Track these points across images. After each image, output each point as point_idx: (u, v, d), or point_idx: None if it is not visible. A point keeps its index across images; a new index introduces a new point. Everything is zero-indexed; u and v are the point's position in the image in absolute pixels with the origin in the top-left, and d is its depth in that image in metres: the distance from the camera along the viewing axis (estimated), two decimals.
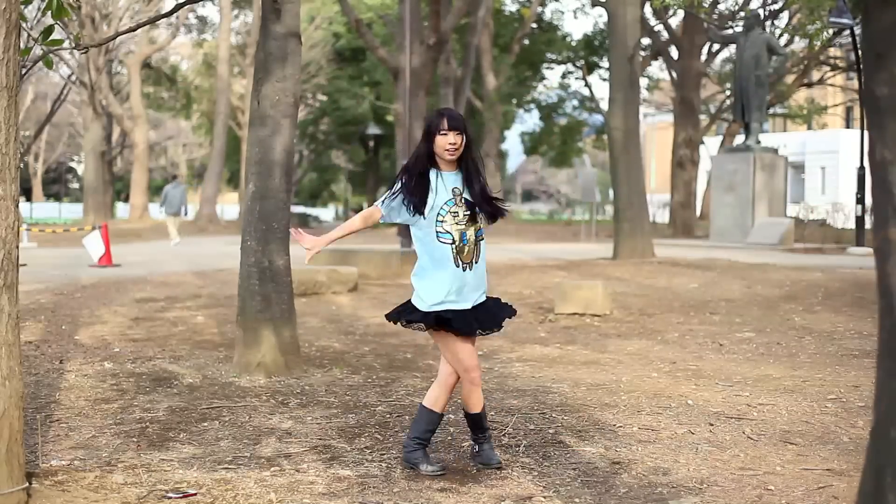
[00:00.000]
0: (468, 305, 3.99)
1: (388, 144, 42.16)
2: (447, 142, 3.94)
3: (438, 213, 3.96)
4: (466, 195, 4.00)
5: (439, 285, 3.97)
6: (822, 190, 47.15)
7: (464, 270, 3.97)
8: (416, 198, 3.95)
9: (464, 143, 3.99)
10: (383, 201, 4.05)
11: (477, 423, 4.21)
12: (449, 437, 4.69)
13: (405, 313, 4.07)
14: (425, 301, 3.99)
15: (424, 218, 3.96)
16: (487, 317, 4.05)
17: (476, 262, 4.01)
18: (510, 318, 4.18)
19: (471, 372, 4.08)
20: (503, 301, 4.21)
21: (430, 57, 28.66)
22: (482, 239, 4.05)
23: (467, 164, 4.02)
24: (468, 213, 3.98)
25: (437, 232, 3.96)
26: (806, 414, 5.15)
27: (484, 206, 4.01)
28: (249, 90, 20.42)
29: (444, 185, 3.98)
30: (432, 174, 4.00)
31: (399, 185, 4.01)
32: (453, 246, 3.96)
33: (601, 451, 4.43)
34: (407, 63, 26.65)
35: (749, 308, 9.67)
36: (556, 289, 9.75)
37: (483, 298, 4.07)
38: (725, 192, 21.09)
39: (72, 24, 29.66)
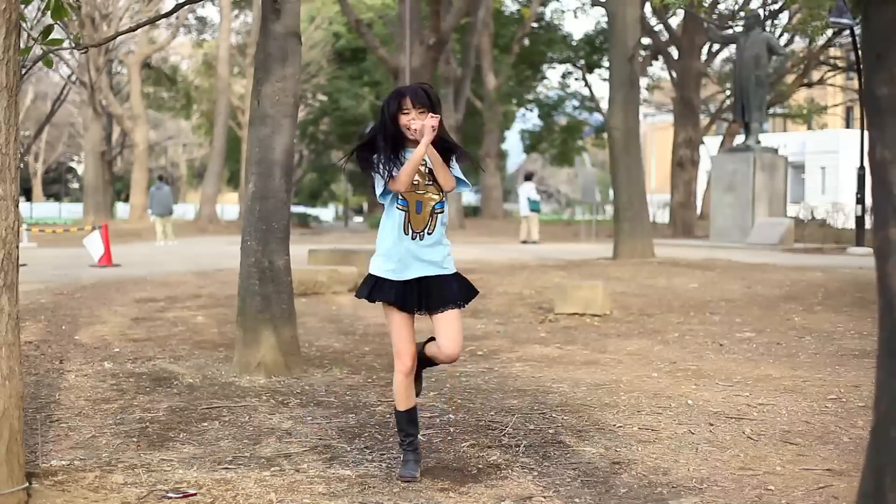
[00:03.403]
0: (408, 277, 3.91)
1: None
2: (410, 118, 3.87)
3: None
4: (431, 166, 3.93)
5: (386, 252, 3.96)
6: (822, 190, 47.18)
7: (412, 238, 3.92)
8: (393, 164, 3.93)
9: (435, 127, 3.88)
10: (385, 185, 3.96)
11: (408, 421, 4.06)
12: (448, 437, 4.69)
13: (362, 288, 4.06)
14: (372, 267, 4.00)
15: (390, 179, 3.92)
16: (434, 294, 3.92)
17: (429, 234, 3.93)
18: (464, 300, 3.97)
19: (400, 358, 3.98)
20: (464, 281, 4.03)
21: (430, 57, 28.67)
22: (440, 212, 3.97)
23: (439, 141, 3.90)
24: (429, 184, 3.94)
25: (396, 198, 3.94)
26: (806, 414, 5.15)
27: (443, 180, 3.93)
28: (249, 90, 20.41)
29: (403, 156, 3.92)
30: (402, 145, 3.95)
31: (379, 163, 3.94)
32: (406, 213, 3.93)
33: (601, 451, 4.43)
34: (407, 63, 26.67)
35: (749, 308, 9.67)
36: (556, 289, 9.75)
37: (433, 272, 3.93)
38: (725, 192, 21.10)
39: (72, 24, 29.67)
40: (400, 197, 3.93)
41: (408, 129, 3.89)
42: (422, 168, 3.95)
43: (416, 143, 3.90)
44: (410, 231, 3.93)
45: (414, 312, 4.00)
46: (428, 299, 3.95)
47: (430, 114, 3.90)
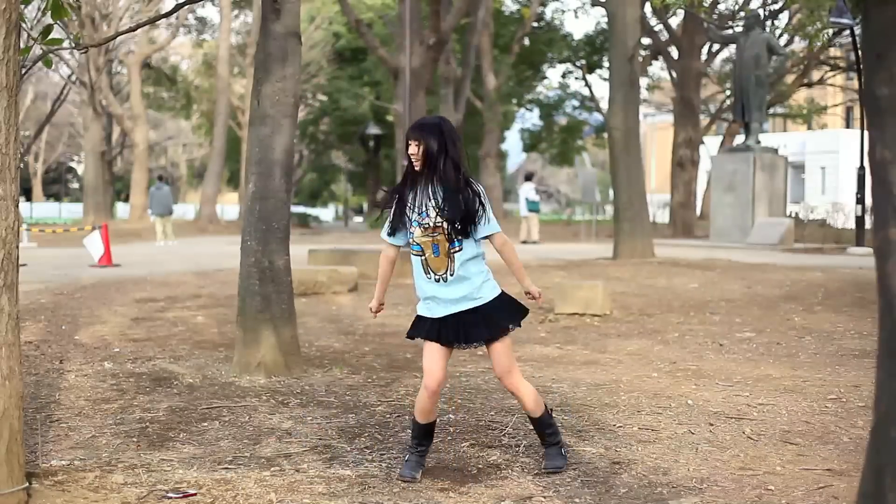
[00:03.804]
0: (440, 315, 3.95)
1: (388, 144, 42.18)
2: (409, 151, 3.96)
3: (411, 224, 3.97)
4: (442, 205, 3.91)
5: (420, 292, 4.02)
6: (822, 190, 47.16)
7: (436, 282, 3.93)
8: (397, 219, 4.01)
9: (426, 152, 3.89)
10: (388, 232, 4.08)
11: (424, 433, 4.11)
12: (448, 437, 4.69)
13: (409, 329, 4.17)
14: (418, 307, 4.09)
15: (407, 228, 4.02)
16: (471, 330, 3.93)
17: (451, 275, 3.91)
18: (507, 326, 3.97)
19: (426, 377, 4.00)
20: (512, 304, 4.00)
21: (430, 57, 28.65)
22: (458, 251, 3.91)
23: (439, 174, 3.90)
24: (439, 223, 3.90)
25: (409, 244, 4.01)
26: (806, 414, 5.15)
27: (453, 218, 3.89)
28: (249, 90, 20.41)
29: (420, 196, 3.95)
30: (414, 185, 4.00)
31: (392, 207, 4.05)
32: (422, 258, 3.95)
33: (601, 451, 4.43)
34: (407, 63, 26.64)
35: (749, 308, 9.67)
36: (556, 289, 9.75)
37: (465, 307, 3.92)
38: (725, 192, 21.10)
39: (72, 24, 29.66)
40: (413, 242, 3.97)
41: (411, 157, 3.98)
42: (429, 203, 3.93)
43: (426, 178, 3.94)
44: (432, 274, 3.95)
45: (452, 345, 4.00)
46: (466, 334, 3.94)
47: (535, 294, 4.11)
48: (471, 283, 3.94)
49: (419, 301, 4.05)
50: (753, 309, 9.60)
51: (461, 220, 3.88)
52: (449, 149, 3.92)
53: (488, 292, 3.96)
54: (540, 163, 63.54)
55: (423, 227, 3.93)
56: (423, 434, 4.10)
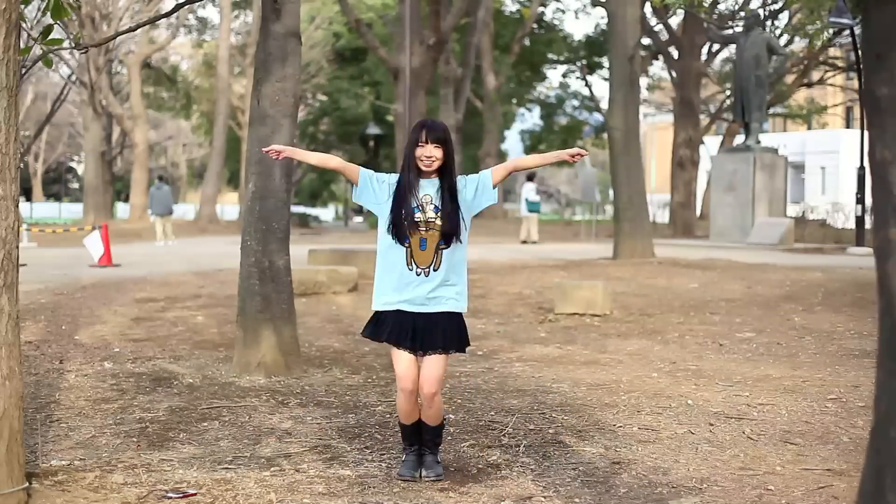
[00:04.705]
0: (416, 309, 3.91)
1: (388, 144, 42.15)
2: (423, 154, 3.92)
3: (405, 215, 3.93)
4: (437, 202, 3.94)
5: (388, 286, 3.95)
6: (822, 190, 47.13)
7: (417, 275, 3.91)
8: (397, 210, 3.93)
9: (445, 158, 3.94)
10: (371, 175, 4.01)
11: (411, 433, 4.12)
12: (448, 437, 4.68)
13: (367, 327, 4.09)
14: (376, 300, 4.01)
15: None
16: (429, 335, 3.92)
17: (435, 270, 3.91)
18: (455, 348, 3.97)
19: (399, 381, 4.01)
20: (463, 332, 4.00)
21: (430, 57, 28.66)
22: (445, 248, 3.94)
23: (447, 176, 3.96)
24: (432, 220, 3.93)
25: (397, 237, 3.96)
26: (806, 414, 5.15)
27: (446, 222, 3.93)
28: (249, 90, 20.40)
29: (417, 191, 3.95)
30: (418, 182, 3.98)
31: (397, 187, 3.98)
32: (409, 249, 3.93)
33: (601, 451, 4.44)
34: (407, 63, 26.66)
35: (749, 308, 9.66)
36: (556, 289, 9.75)
37: (437, 309, 3.92)
38: (725, 192, 21.09)
39: (72, 24, 29.64)
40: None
41: (420, 160, 3.92)
42: (426, 197, 3.94)
43: (427, 174, 3.94)
44: (414, 266, 3.92)
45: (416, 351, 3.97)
46: (423, 339, 3.92)
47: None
48: (450, 289, 3.94)
49: (384, 296, 3.95)
50: (753, 309, 9.60)
51: (451, 229, 3.93)
52: (454, 157, 4.01)
53: (456, 304, 3.97)
54: None
55: (416, 221, 3.92)
56: (411, 434, 4.11)
